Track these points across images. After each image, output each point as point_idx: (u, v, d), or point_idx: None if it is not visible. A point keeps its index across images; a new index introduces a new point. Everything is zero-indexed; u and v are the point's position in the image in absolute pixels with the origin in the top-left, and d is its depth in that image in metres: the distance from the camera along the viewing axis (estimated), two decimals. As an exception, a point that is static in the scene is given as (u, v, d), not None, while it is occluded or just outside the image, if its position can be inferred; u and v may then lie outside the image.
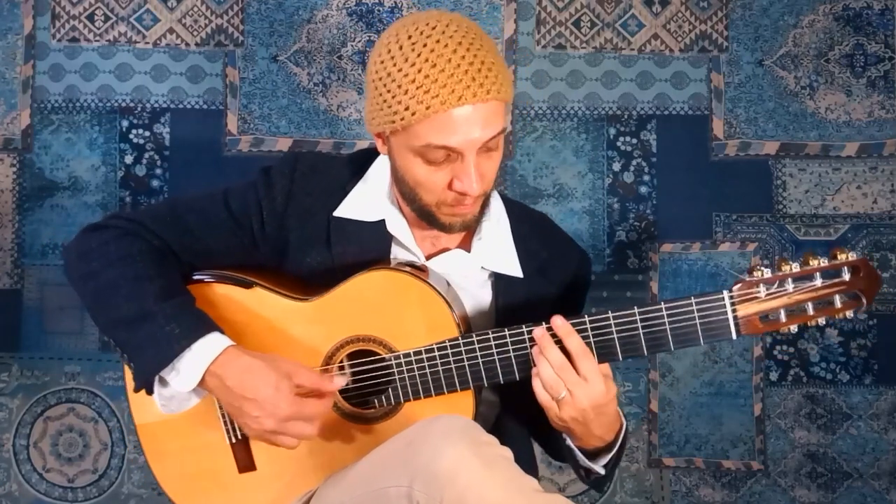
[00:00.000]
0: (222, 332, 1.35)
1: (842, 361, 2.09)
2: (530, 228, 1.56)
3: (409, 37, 1.31)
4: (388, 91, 1.31)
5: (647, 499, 2.11)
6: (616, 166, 2.11)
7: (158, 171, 2.14)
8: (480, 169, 1.35)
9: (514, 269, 1.52)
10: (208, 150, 2.13)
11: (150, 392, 1.35)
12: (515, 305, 1.51)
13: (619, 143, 2.11)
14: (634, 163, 2.11)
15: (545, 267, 1.54)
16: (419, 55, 1.29)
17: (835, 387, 2.09)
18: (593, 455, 1.43)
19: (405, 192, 1.43)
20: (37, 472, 2.15)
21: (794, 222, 2.10)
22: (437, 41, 1.30)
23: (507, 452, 1.26)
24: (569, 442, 1.41)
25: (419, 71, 1.29)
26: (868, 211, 2.09)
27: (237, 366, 1.32)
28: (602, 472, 1.44)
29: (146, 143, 2.14)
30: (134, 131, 2.14)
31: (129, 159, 2.14)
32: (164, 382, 1.34)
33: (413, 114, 1.29)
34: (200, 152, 2.13)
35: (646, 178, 2.11)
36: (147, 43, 2.14)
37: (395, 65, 1.31)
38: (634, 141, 2.11)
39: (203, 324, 1.34)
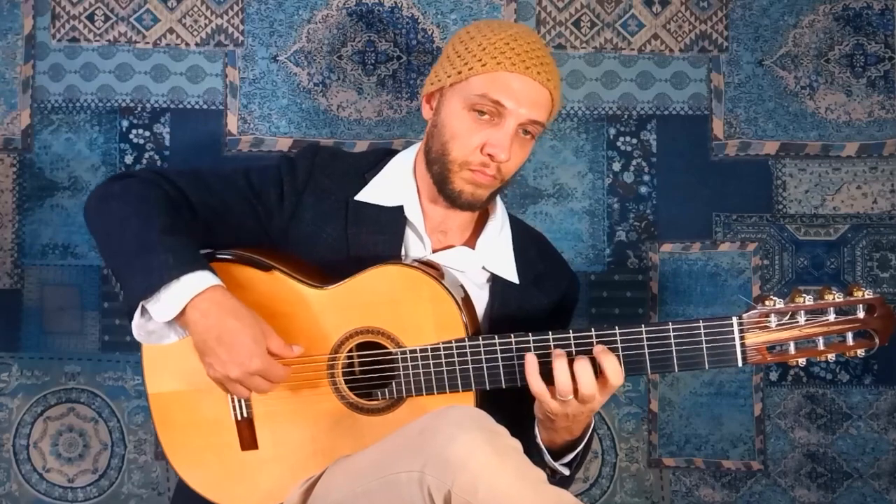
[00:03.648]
0: (215, 273, 1.36)
1: (842, 361, 2.09)
2: (529, 242, 1.64)
3: (499, 23, 1.55)
4: (466, 49, 1.50)
5: (647, 499, 2.11)
6: (616, 166, 2.11)
7: (158, 171, 2.14)
8: (513, 146, 1.46)
9: (511, 274, 1.57)
10: (208, 150, 2.13)
11: (130, 318, 1.36)
12: (509, 310, 1.56)
13: (619, 143, 2.11)
14: (634, 163, 2.11)
15: (540, 279, 1.61)
16: (499, 35, 1.49)
17: (835, 387, 2.09)
18: (559, 454, 1.46)
19: (435, 151, 1.51)
20: (37, 472, 2.15)
21: (794, 222, 2.10)
22: (519, 31, 1.51)
23: (517, 444, 1.29)
24: (538, 440, 1.44)
25: (501, 39, 1.48)
26: (868, 211, 2.09)
27: (225, 306, 1.34)
28: (566, 472, 1.47)
29: (146, 143, 2.14)
30: (134, 131, 2.14)
31: (129, 159, 2.14)
32: (146, 314, 1.35)
33: (484, 65, 1.46)
34: (200, 152, 2.13)
35: (646, 178, 2.11)
36: (147, 43, 2.14)
37: (479, 31, 1.52)
38: (634, 141, 2.11)
39: (198, 260, 1.36)
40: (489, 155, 1.46)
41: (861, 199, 2.09)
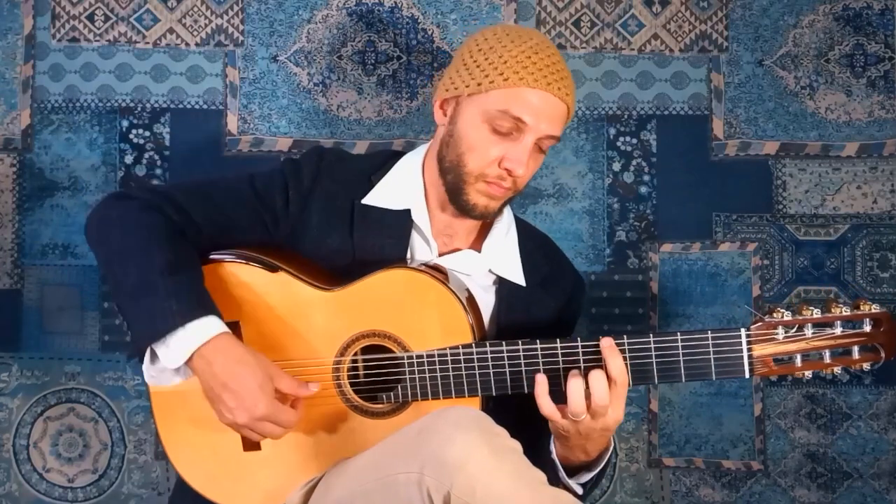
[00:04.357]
0: (220, 316, 1.37)
1: (842, 361, 2.09)
2: (535, 244, 1.64)
3: (517, 32, 1.51)
4: (486, 59, 1.47)
5: (647, 499, 2.11)
6: (616, 166, 2.11)
7: (158, 171, 2.14)
8: (529, 160, 1.47)
9: (517, 277, 1.57)
10: (208, 150, 2.13)
11: (141, 361, 1.37)
12: (516, 313, 1.55)
13: (619, 143, 2.11)
14: (634, 163, 2.11)
15: (546, 282, 1.60)
16: (520, 48, 1.47)
17: (835, 387, 2.09)
18: (574, 472, 1.45)
19: (449, 161, 1.49)
20: (37, 472, 2.15)
21: (794, 222, 2.10)
22: (538, 43, 1.49)
23: (516, 445, 1.28)
24: (553, 455, 1.43)
25: (522, 52, 1.46)
26: (868, 211, 2.09)
27: (229, 355, 1.34)
28: (580, 491, 1.46)
29: (146, 143, 2.14)
30: (134, 131, 2.14)
31: (129, 159, 2.14)
32: (154, 356, 1.36)
33: (506, 79, 1.44)
34: (200, 152, 2.13)
35: (646, 178, 2.11)
36: (147, 43, 2.14)
37: (499, 41, 1.48)
38: (634, 141, 2.11)
39: (201, 305, 1.35)
40: (506, 169, 1.46)
41: (861, 199, 2.09)
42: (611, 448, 1.45)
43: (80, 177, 2.14)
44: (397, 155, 1.62)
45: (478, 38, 1.52)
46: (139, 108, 2.14)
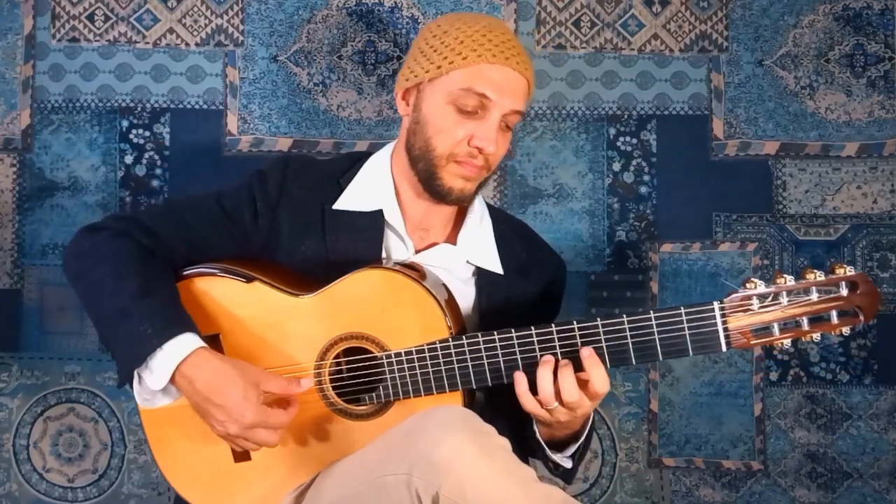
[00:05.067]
0: (196, 332, 1.37)
1: (842, 361, 2.09)
2: (511, 231, 1.64)
3: (469, 15, 1.54)
4: (442, 42, 1.48)
5: (647, 499, 2.11)
6: (616, 166, 2.11)
7: (158, 171, 2.14)
8: (497, 137, 1.48)
9: (495, 265, 1.58)
10: (208, 150, 2.13)
11: (131, 387, 1.39)
12: (497, 302, 1.56)
13: (619, 143, 2.11)
14: (634, 163, 2.11)
15: (525, 268, 1.61)
16: (474, 28, 1.49)
17: (835, 387, 2.09)
18: (561, 446, 1.46)
19: (418, 148, 1.50)
20: (37, 472, 2.15)
21: (794, 222, 2.10)
22: (491, 22, 1.52)
23: (505, 442, 1.28)
24: (538, 436, 1.44)
25: (476, 31, 1.48)
26: (868, 211, 2.09)
27: (208, 369, 1.35)
28: (569, 464, 1.47)
29: (146, 143, 2.14)
30: (134, 131, 2.14)
31: (129, 159, 2.14)
32: (141, 380, 1.37)
33: (465, 58, 1.46)
34: (200, 152, 2.13)
35: (646, 178, 2.11)
36: (147, 43, 2.14)
37: (452, 25, 1.50)
38: (634, 141, 2.11)
39: (175, 324, 1.36)
40: (477, 148, 1.46)
41: (861, 199, 2.09)
42: (591, 416, 1.47)
43: (80, 177, 2.14)
44: (365, 156, 1.62)
45: (431, 27, 1.53)
46: (139, 108, 2.14)
